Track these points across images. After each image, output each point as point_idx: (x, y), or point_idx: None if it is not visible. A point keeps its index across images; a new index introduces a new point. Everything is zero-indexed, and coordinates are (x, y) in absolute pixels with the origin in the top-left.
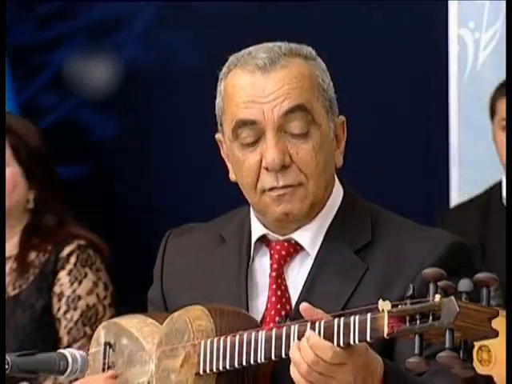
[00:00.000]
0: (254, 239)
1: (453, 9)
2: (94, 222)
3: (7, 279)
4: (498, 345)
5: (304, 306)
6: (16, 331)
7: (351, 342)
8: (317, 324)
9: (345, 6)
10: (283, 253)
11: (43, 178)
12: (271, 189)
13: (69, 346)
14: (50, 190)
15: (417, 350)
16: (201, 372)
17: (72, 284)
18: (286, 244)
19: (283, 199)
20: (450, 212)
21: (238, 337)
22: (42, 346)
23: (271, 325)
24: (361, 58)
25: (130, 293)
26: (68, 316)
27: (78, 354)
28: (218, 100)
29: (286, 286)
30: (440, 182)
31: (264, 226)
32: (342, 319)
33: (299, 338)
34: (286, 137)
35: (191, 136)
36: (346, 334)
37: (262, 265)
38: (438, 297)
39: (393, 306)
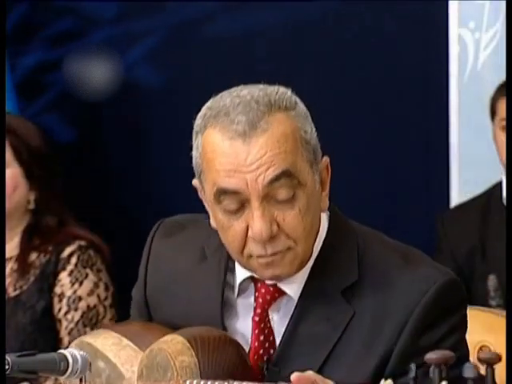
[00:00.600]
0: (239, 278)
1: (453, 9)
2: (94, 222)
3: (8, 280)
4: (498, 345)
5: (295, 375)
6: (17, 332)
7: None
8: None
9: (344, 6)
10: (268, 297)
11: (44, 179)
12: (259, 256)
13: (69, 346)
14: (51, 190)
15: None
16: None
17: (73, 285)
18: (271, 289)
19: (272, 265)
20: (450, 212)
21: None
22: (43, 347)
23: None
24: (361, 58)
25: (130, 293)
26: (69, 317)
27: (79, 354)
28: (196, 155)
29: (269, 329)
30: (440, 182)
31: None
32: None
33: None
34: (271, 203)
35: (191, 136)
36: None
37: (247, 298)
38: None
39: None
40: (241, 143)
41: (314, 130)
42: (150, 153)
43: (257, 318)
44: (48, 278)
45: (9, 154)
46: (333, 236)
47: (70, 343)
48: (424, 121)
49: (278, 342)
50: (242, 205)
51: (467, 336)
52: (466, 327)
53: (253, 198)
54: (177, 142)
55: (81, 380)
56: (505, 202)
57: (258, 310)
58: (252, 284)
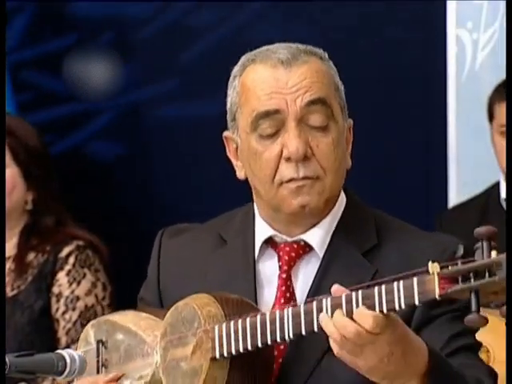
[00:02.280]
0: (259, 240)
1: (451, 9)
2: (94, 222)
3: (5, 280)
4: (496, 345)
5: (335, 287)
6: (15, 332)
7: (396, 307)
8: (353, 294)
9: (343, 5)
10: (293, 254)
11: (42, 179)
12: (290, 180)
13: (67, 346)
14: (49, 190)
15: (474, 308)
16: (217, 356)
17: (71, 284)
18: (295, 245)
19: (302, 191)
20: (449, 212)
21: (259, 317)
22: (41, 347)
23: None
24: (359, 59)
25: (130, 293)
26: (67, 316)
27: (77, 354)
28: (232, 96)
29: (293, 288)
30: (438, 183)
31: (271, 227)
32: (384, 286)
33: (333, 312)
34: (307, 129)
35: (192, 136)
36: (390, 301)
37: (266, 267)
38: (494, 253)
39: (442, 268)
40: (283, 69)
41: (343, 88)
42: (151, 153)
43: (284, 275)
44: (46, 278)
45: (7, 155)
46: (351, 206)
47: (67, 343)
48: (422, 121)
49: (299, 301)
50: (278, 130)
51: None
52: None
53: (290, 119)
54: (178, 142)
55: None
56: (503, 202)
57: (285, 267)
58: (271, 249)
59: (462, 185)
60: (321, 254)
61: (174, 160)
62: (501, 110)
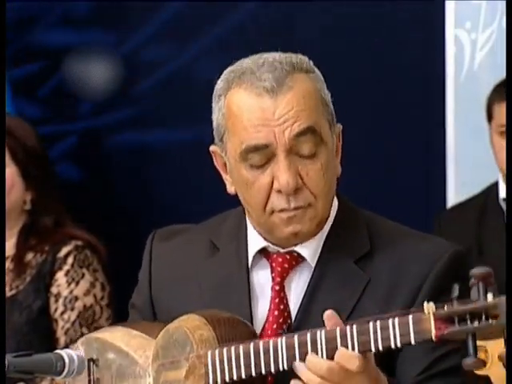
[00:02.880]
0: (252, 250)
1: (449, 9)
2: (93, 222)
3: None
4: (494, 345)
5: (328, 313)
6: (13, 332)
7: (392, 345)
8: (348, 329)
9: (343, 5)
10: (286, 266)
11: (40, 179)
12: (281, 210)
13: (66, 346)
14: (48, 190)
15: (471, 351)
16: (210, 383)
17: (69, 284)
18: (288, 256)
19: (293, 220)
20: (447, 212)
21: (252, 345)
22: (39, 347)
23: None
24: (357, 59)
25: (129, 294)
26: (65, 316)
27: (75, 354)
28: (218, 116)
29: (287, 299)
30: (437, 183)
31: (264, 239)
32: (379, 322)
33: (328, 344)
34: (296, 158)
35: (192, 136)
36: (385, 338)
37: (259, 277)
38: (491, 296)
39: (437, 308)
40: (268, 99)
41: (329, 94)
42: (149, 152)
43: (277, 287)
44: (44, 278)
45: (6, 154)
46: (343, 212)
47: (66, 343)
48: (421, 121)
49: (293, 312)
50: (268, 160)
51: None
52: None
53: (279, 151)
54: (178, 141)
55: None
56: (501, 202)
57: (278, 279)
58: (264, 259)
59: (460, 185)
60: (313, 264)
61: (174, 160)
62: (500, 110)
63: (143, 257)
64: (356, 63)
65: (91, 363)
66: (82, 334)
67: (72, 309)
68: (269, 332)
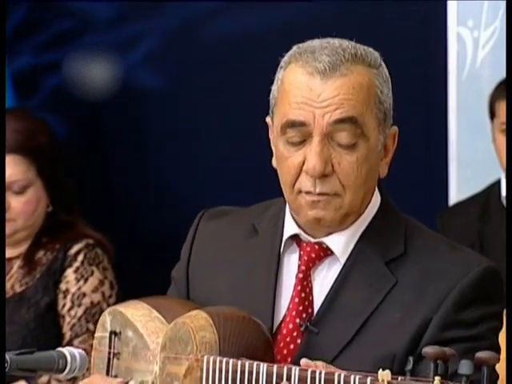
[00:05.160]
0: (285, 236)
1: (452, 7)
2: (95, 222)
3: (14, 277)
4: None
5: (304, 362)
6: (20, 327)
7: None
8: (317, 374)
9: (344, 5)
10: (313, 255)
11: (55, 177)
12: (307, 192)
13: (70, 340)
14: (62, 188)
15: None
16: None
17: (78, 281)
18: (316, 247)
19: (317, 205)
20: (449, 210)
21: (239, 363)
22: (45, 343)
23: (290, 326)
24: None
25: (132, 294)
26: (72, 312)
27: (77, 352)
28: (275, 88)
29: (310, 289)
30: (439, 181)
31: (297, 225)
32: (343, 376)
33: (299, 382)
34: (331, 144)
35: (192, 135)
36: None
37: (290, 263)
38: (437, 379)
39: (393, 378)
40: (319, 80)
41: (391, 95)
42: (151, 152)
43: (301, 275)
44: (54, 275)
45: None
46: (384, 211)
47: (71, 337)
48: (423, 119)
49: (316, 303)
50: (304, 140)
51: None
52: (502, 322)
53: (315, 133)
54: (178, 141)
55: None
56: (503, 201)
57: (303, 267)
58: (296, 245)
59: (462, 182)
60: (342, 260)
61: (176, 159)
62: (502, 108)
63: (189, 232)
64: None
65: (113, 335)
66: (88, 330)
67: (79, 305)
68: (287, 319)
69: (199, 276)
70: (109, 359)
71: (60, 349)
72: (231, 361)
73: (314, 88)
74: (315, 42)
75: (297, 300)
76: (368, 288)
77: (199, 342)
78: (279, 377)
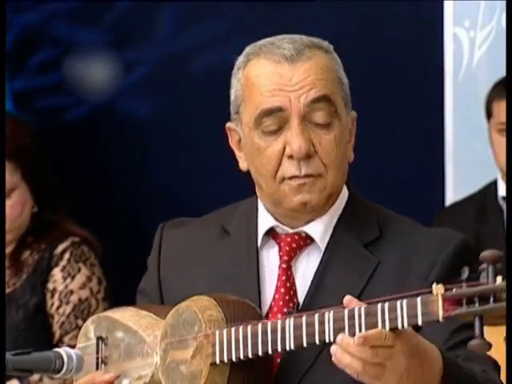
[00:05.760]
0: (261, 231)
1: (448, 7)
2: (91, 220)
3: None
4: (494, 344)
5: (348, 298)
6: (9, 329)
7: (399, 326)
8: (356, 310)
9: (342, 5)
10: (294, 245)
11: (39, 178)
12: (292, 177)
13: (60, 338)
14: (47, 188)
15: (478, 332)
16: (217, 362)
17: (65, 280)
18: (296, 237)
19: (303, 189)
20: (446, 210)
21: (260, 325)
22: (35, 344)
23: (278, 316)
24: (356, 57)
25: (125, 291)
26: (60, 310)
27: (74, 353)
28: (236, 89)
29: (293, 278)
30: (435, 181)
31: (274, 217)
32: (387, 304)
33: (335, 325)
34: (309, 126)
35: (192, 136)
36: (393, 319)
37: (270, 257)
38: (500, 278)
39: (446, 290)
40: (287, 65)
41: (347, 80)
42: (149, 151)
43: (284, 265)
44: (41, 275)
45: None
46: (353, 200)
47: (61, 335)
48: (419, 119)
49: (300, 292)
50: (281, 127)
51: None
52: None
53: (293, 117)
54: (177, 140)
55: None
56: (500, 200)
57: (285, 258)
58: (273, 240)
59: (459, 182)
60: (322, 247)
61: (174, 158)
62: (499, 108)
63: (153, 244)
64: (354, 62)
65: (100, 341)
66: (77, 326)
67: (67, 302)
68: (275, 310)
69: (174, 282)
70: (97, 364)
71: (56, 349)
72: (249, 326)
73: (283, 74)
74: (268, 39)
75: (282, 290)
76: (352, 272)
77: (207, 320)
78: (311, 325)
